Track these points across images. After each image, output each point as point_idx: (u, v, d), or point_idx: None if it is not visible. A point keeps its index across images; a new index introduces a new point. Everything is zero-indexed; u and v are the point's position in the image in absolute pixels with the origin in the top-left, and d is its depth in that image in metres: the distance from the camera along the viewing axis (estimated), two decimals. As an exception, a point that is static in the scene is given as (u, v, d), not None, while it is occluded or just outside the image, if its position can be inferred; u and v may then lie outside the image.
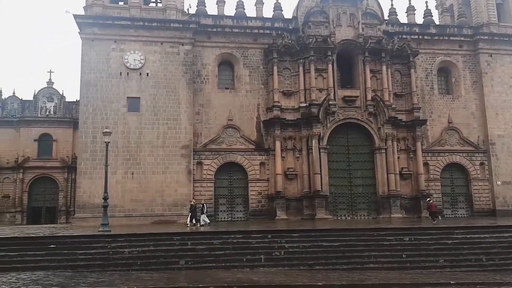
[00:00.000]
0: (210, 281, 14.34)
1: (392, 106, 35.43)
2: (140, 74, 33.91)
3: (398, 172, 34.61)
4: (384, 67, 35.66)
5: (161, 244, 19.07)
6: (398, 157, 35.11)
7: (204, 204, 28.14)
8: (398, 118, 35.42)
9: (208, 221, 27.14)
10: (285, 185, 33.96)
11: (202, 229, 23.82)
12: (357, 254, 18.38)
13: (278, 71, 35.18)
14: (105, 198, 21.96)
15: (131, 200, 32.21)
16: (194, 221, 26.56)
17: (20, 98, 44.44)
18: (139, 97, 33.74)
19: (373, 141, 35.10)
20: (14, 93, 44.64)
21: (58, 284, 13.80)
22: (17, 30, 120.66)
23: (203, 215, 26.96)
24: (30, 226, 32.02)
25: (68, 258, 17.43)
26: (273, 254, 18.26)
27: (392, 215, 33.22)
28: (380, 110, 34.78)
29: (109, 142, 23.02)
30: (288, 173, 34.12)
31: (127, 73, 33.77)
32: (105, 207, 21.91)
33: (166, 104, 33.95)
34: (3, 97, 44.14)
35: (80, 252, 17.85)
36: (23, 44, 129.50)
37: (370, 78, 35.46)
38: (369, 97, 35.08)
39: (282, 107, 34.82)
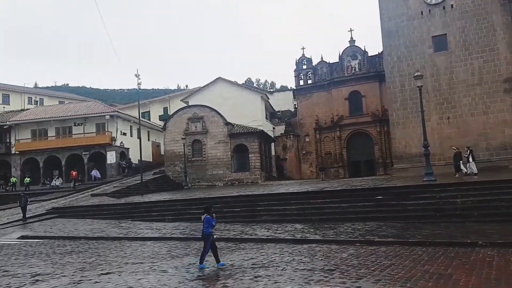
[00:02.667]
0: None
1: None
2: (444, 7, 30.42)
3: None
4: None
5: (499, 193, 16.37)
6: None
7: (471, 150, 23.05)
8: None
9: (475, 170, 22.10)
10: None
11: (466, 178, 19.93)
12: None
13: None
14: (426, 146, 20.49)
15: (450, 147, 29.64)
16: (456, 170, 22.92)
17: (328, 61, 47.46)
18: (445, 34, 30.48)
19: None
20: (322, 58, 48.06)
21: (393, 235, 13.39)
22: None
23: (470, 163, 22.45)
24: (353, 179, 33.80)
25: (397, 209, 17.00)
26: None
27: None
28: None
29: (421, 86, 21.33)
30: None
31: (429, 10, 30.88)
32: (426, 155, 20.49)
33: (477, 35, 29.47)
34: (313, 64, 48.12)
35: (408, 203, 17.15)
36: (325, 10, 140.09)
37: None
38: None
39: None
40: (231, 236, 14.85)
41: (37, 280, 9.35)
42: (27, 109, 50.97)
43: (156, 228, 18.63)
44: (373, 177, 33.58)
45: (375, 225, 15.49)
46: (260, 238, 14.45)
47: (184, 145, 35.98)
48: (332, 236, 13.76)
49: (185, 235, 16.45)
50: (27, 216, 24.14)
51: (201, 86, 47.41)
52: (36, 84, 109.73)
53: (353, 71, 45.56)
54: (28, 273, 10.28)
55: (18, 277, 9.83)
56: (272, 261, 10.48)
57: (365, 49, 45.39)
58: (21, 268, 10.97)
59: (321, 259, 10.52)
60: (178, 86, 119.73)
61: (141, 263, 11.22)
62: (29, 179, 38.80)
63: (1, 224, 23.20)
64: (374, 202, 18.21)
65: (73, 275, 9.86)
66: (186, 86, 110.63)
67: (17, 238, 18.57)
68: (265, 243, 13.61)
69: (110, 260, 11.95)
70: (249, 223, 18.07)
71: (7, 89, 66.68)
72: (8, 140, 43.11)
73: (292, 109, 54.38)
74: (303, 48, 49.58)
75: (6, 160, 42.73)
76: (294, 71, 48.97)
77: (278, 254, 11.57)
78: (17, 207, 24.36)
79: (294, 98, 53.12)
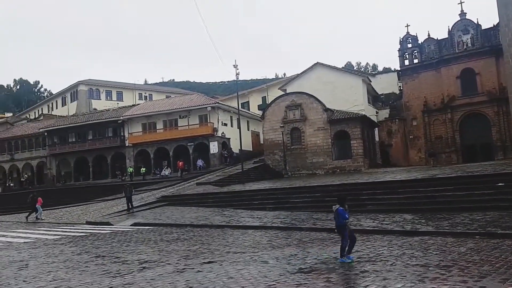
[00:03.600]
0: None
1: None
2: None
3: None
4: None
5: None
6: None
7: None
8: None
9: None
10: None
11: None
12: None
13: None
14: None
15: None
16: None
17: (435, 38, 43.89)
18: None
19: None
20: (428, 35, 44.56)
21: (521, 228, 11.76)
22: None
23: None
24: (468, 164, 30.88)
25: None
26: None
27: None
28: None
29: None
30: None
31: (557, -31, 26.91)
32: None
33: None
34: (419, 42, 44.79)
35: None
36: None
37: None
38: None
39: None
40: (334, 227, 14.15)
41: (144, 268, 9.62)
42: (138, 104, 54.71)
43: (257, 217, 18.60)
44: (492, 162, 30.42)
45: (496, 215, 13.80)
46: (366, 229, 13.62)
47: (282, 133, 35.77)
48: (447, 228, 12.47)
49: (286, 224, 16.15)
50: (135, 205, 25.38)
51: (299, 73, 46.73)
52: (146, 81, 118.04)
53: (465, 46, 41.65)
54: (137, 260, 10.67)
55: (127, 263, 10.23)
56: (380, 255, 9.67)
57: (478, 22, 41.19)
58: (131, 255, 11.46)
59: (436, 254, 9.47)
60: (276, 75, 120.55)
61: (242, 252, 11.09)
62: (144, 169, 41.77)
63: (117, 212, 25.00)
64: (494, 189, 16.32)
65: (177, 263, 10.01)
66: (284, 74, 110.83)
67: (130, 225, 19.80)
68: (371, 235, 12.77)
69: (213, 248, 12.02)
70: (353, 213, 16.99)
71: (121, 87, 72.68)
72: (122, 134, 46.60)
73: (397, 92, 51.39)
74: (407, 26, 46.24)
75: (122, 152, 46.27)
76: (398, 50, 46.07)
77: (386, 247, 10.70)
78: (127, 196, 25.47)
79: (398, 79, 50.12)
